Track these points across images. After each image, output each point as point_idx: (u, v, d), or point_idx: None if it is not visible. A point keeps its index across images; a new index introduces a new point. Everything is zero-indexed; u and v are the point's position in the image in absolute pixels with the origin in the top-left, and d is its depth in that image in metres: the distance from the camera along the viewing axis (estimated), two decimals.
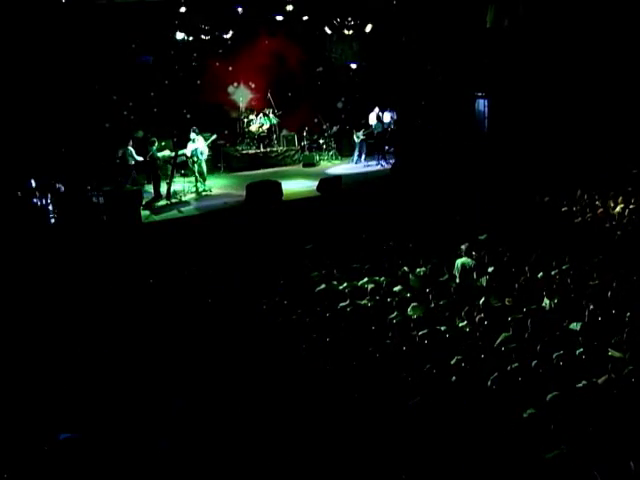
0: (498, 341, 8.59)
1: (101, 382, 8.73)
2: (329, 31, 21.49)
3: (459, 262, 11.71)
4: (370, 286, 11.10)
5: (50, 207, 15.32)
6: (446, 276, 11.75)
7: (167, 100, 19.73)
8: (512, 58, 20.58)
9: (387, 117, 22.04)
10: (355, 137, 21.55)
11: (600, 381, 7.42)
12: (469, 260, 11.74)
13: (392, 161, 21.21)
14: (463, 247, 12.24)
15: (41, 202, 15.18)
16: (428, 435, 6.88)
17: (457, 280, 11.51)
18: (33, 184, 15.31)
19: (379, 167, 21.19)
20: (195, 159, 17.93)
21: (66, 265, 13.21)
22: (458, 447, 6.66)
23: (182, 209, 16.80)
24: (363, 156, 21.63)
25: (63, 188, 15.64)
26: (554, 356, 7.92)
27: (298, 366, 8.71)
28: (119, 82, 18.43)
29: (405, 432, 6.96)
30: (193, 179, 18.27)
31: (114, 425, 7.67)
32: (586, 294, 9.99)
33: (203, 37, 19.99)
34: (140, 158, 17.36)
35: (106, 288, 12.30)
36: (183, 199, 17.52)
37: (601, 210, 15.19)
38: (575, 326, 8.89)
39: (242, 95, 21.70)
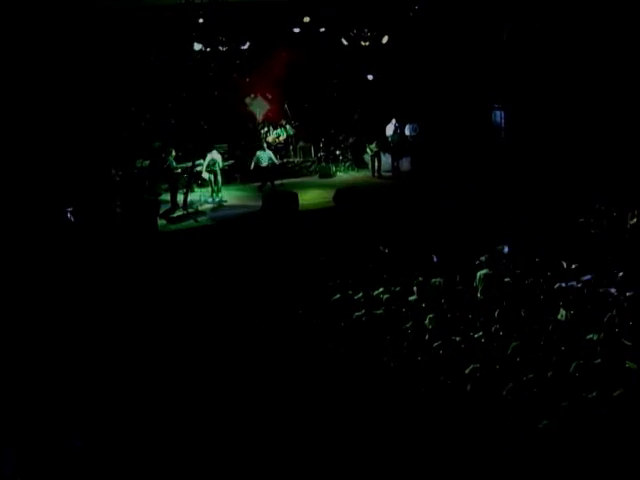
0: (512, 351, 8.54)
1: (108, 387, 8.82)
2: (346, 42, 21.56)
3: (481, 273, 11.67)
4: (386, 296, 11.10)
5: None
6: (461, 286, 11.71)
7: (184, 111, 19.89)
8: (529, 70, 20.53)
9: (406, 130, 22.01)
10: (369, 150, 21.48)
11: (616, 394, 7.35)
12: (490, 272, 11.71)
13: (409, 171, 21.26)
14: (483, 258, 12.21)
15: (60, 209, 15.32)
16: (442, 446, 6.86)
17: (479, 292, 11.47)
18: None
19: (396, 178, 21.17)
20: (211, 168, 18.13)
21: (81, 272, 13.31)
22: (473, 457, 6.64)
23: (198, 219, 16.88)
24: (377, 166, 21.56)
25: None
26: (571, 368, 7.87)
27: (314, 375, 8.72)
28: (137, 93, 18.62)
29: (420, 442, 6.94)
30: (209, 189, 18.40)
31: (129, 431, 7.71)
32: (603, 305, 9.90)
33: (220, 48, 20.12)
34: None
35: (119, 295, 12.40)
36: (200, 209, 17.60)
37: (618, 222, 15.08)
38: (592, 337, 8.81)
39: (259, 106, 21.78)
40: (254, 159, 19.35)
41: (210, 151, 18.25)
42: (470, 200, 17.49)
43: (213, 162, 18.16)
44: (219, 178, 18.51)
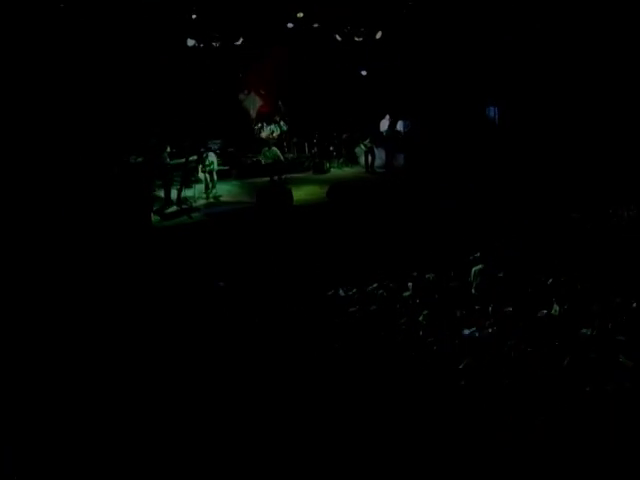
0: (507, 346, 8.56)
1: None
2: (339, 38, 21.54)
3: (476, 269, 11.69)
4: (380, 292, 11.12)
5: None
6: (455, 282, 11.74)
7: (179, 107, 19.86)
8: (524, 67, 20.52)
9: (399, 125, 22.03)
10: (363, 145, 21.49)
11: (609, 388, 7.38)
12: (484, 267, 11.73)
13: (402, 167, 21.28)
14: (477, 254, 12.24)
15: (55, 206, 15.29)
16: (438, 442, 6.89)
17: (473, 288, 11.49)
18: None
19: (389, 174, 21.18)
20: (207, 168, 18.21)
21: (74, 269, 13.28)
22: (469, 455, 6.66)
23: (192, 215, 16.88)
24: (370, 162, 21.57)
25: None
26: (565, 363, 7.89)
27: (307, 373, 8.73)
28: (133, 90, 18.59)
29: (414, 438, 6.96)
30: (204, 186, 18.41)
31: None
32: (597, 300, 9.94)
33: (214, 44, 20.09)
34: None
35: (113, 292, 12.38)
36: (194, 205, 17.59)
37: (613, 217, 15.09)
38: (586, 332, 8.83)
39: (253, 102, 21.80)
40: (261, 156, 19.61)
41: (207, 152, 18.29)
42: (469, 199, 17.40)
43: (210, 163, 18.23)
44: (215, 177, 18.57)
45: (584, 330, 8.88)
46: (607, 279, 11.01)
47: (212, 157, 18.43)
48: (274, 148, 19.66)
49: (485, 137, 21.40)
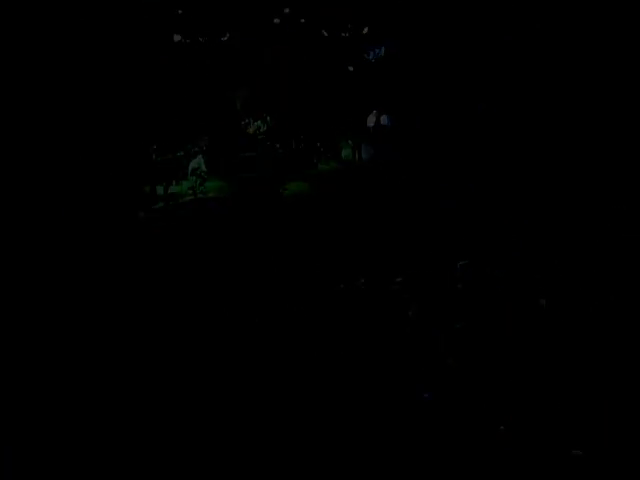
0: (494, 341, 8.62)
1: None
2: (326, 33, 21.54)
3: (461, 264, 11.73)
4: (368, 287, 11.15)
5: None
6: (445, 277, 11.77)
7: (166, 102, 19.79)
8: (524, 65, 20.52)
9: (384, 120, 22.05)
10: (349, 141, 21.56)
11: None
12: (468, 262, 11.78)
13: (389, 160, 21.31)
14: (464, 249, 12.27)
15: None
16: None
17: (459, 283, 11.52)
18: None
19: (376, 168, 21.20)
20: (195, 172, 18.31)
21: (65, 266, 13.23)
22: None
23: (179, 211, 16.85)
24: (357, 157, 21.60)
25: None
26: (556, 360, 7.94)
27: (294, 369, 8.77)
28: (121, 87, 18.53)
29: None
30: (191, 183, 18.42)
31: None
32: (585, 294, 10.00)
33: (200, 39, 20.04)
34: None
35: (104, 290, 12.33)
36: (181, 201, 17.58)
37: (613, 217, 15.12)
38: (574, 327, 8.90)
39: (240, 97, 21.74)
40: (258, 151, 19.96)
41: (194, 157, 18.44)
42: (469, 199, 17.35)
43: (197, 166, 18.25)
44: (204, 175, 18.59)
45: (573, 325, 8.96)
46: (603, 277, 11.04)
47: (200, 161, 18.52)
48: (268, 144, 19.78)
49: (483, 136, 21.40)
